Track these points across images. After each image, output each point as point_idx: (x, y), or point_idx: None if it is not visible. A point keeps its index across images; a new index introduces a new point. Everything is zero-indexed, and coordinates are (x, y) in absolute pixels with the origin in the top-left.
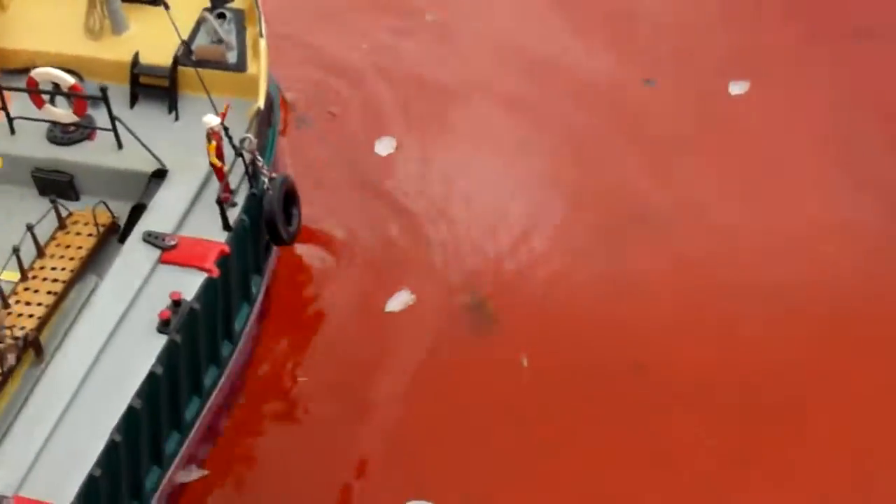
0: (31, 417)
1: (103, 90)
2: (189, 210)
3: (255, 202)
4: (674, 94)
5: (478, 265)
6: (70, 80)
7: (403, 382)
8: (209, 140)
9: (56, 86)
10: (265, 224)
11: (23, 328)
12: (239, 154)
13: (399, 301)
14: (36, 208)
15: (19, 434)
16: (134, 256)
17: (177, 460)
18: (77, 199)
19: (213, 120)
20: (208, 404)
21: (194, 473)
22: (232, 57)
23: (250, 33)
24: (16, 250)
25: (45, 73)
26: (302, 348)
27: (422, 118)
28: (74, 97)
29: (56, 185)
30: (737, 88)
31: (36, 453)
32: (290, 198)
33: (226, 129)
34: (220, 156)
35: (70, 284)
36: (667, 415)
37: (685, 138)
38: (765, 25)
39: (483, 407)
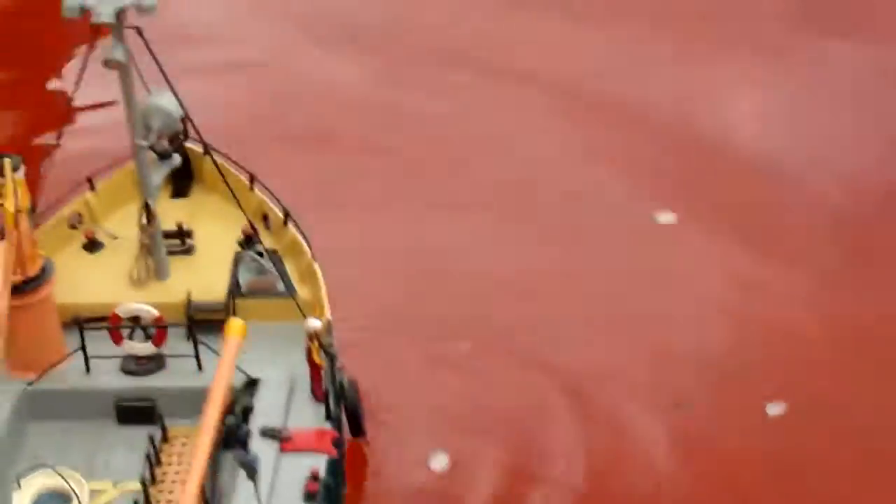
0: None
1: (190, 319)
2: (288, 407)
3: (337, 398)
4: None
5: None
6: (155, 312)
7: None
8: (311, 341)
9: (134, 321)
10: (349, 416)
11: None
12: (329, 356)
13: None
14: (119, 438)
15: None
16: (258, 449)
17: None
18: (154, 423)
19: (316, 323)
20: None
21: None
22: (281, 286)
23: (296, 263)
24: (148, 457)
25: (130, 309)
26: None
27: None
28: (157, 328)
29: (139, 413)
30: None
31: None
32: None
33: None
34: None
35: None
36: None
37: None
38: None
39: None
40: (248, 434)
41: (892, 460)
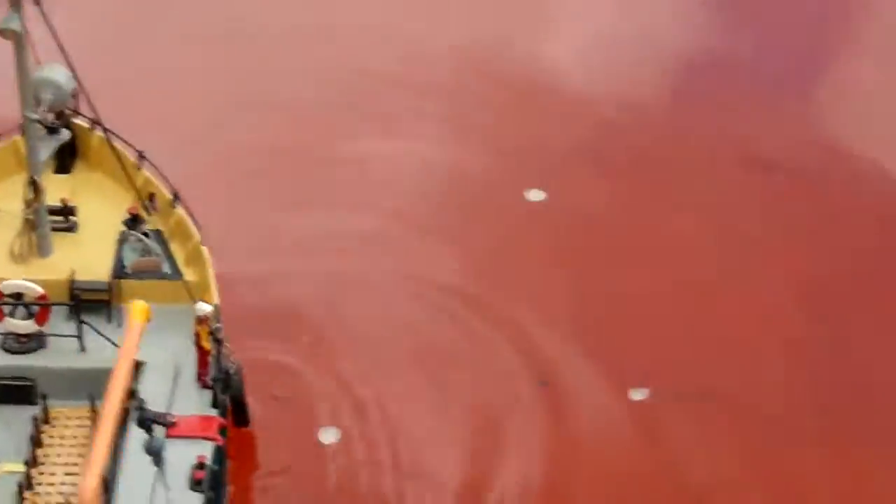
0: None
1: (75, 298)
2: (173, 393)
3: (224, 385)
4: None
5: None
6: (39, 289)
7: None
8: (201, 325)
9: (17, 297)
10: (234, 404)
11: None
12: (217, 340)
13: None
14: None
15: None
16: (142, 436)
17: None
18: (34, 402)
19: (206, 307)
20: None
21: None
22: (166, 267)
23: (182, 245)
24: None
25: (13, 285)
26: None
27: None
28: (40, 307)
29: (18, 392)
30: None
31: None
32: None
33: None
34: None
35: None
36: None
37: None
38: None
39: None
40: (153, 419)
41: (753, 449)
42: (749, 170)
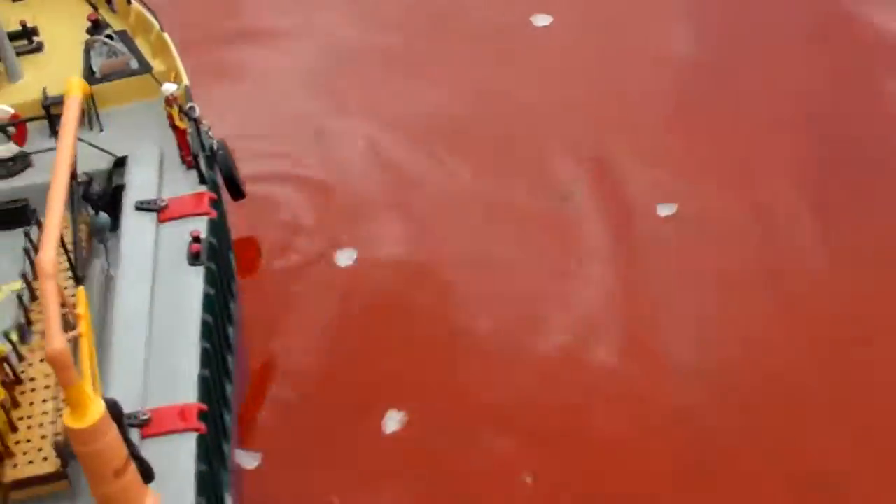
0: (121, 353)
1: (46, 108)
2: (161, 179)
3: (210, 161)
4: None
5: None
6: (9, 109)
7: None
8: (170, 105)
9: None
10: (225, 179)
11: None
12: (192, 119)
13: None
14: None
15: (117, 369)
16: (135, 224)
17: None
18: (29, 223)
19: (171, 86)
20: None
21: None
22: (134, 64)
23: (145, 38)
24: (27, 252)
25: None
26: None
27: None
28: (16, 125)
29: (14, 214)
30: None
31: (142, 374)
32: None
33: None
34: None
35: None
36: None
37: None
38: None
39: None
40: (100, 194)
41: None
42: None
